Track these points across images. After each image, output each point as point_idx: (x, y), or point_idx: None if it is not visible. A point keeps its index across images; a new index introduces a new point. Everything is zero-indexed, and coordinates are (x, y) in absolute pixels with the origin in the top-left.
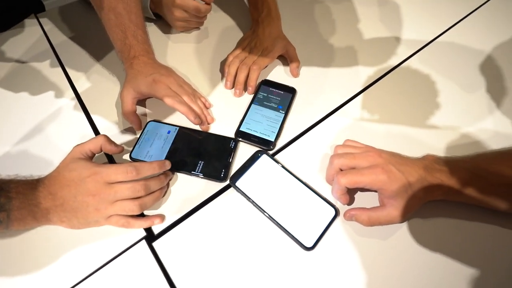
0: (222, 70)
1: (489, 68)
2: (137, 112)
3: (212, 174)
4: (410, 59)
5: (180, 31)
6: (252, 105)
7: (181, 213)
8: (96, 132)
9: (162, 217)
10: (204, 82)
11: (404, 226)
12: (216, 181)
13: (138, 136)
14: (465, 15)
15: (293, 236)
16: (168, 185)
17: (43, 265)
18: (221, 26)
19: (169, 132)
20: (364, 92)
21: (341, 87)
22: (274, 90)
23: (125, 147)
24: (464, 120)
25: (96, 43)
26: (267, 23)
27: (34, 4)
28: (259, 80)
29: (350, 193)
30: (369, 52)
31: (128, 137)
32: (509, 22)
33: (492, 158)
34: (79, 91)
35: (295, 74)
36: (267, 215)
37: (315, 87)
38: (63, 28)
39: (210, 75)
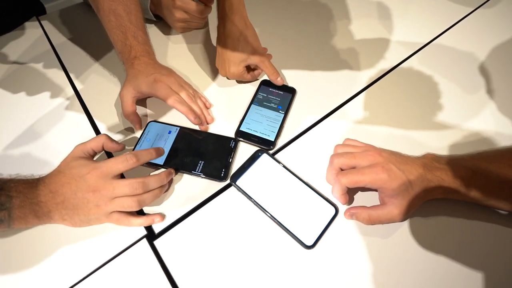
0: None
1: (489, 68)
2: (137, 112)
3: (212, 173)
4: (410, 59)
5: (180, 32)
6: (252, 105)
7: (182, 212)
8: (97, 132)
9: (162, 215)
10: (204, 83)
11: (404, 225)
12: (216, 180)
13: (138, 136)
14: (464, 15)
15: (293, 235)
16: (171, 182)
17: (44, 263)
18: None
19: (170, 132)
20: (363, 92)
21: (340, 87)
22: (273, 90)
23: (126, 147)
24: (464, 120)
25: (97, 45)
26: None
27: (35, 6)
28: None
29: (350, 193)
30: (369, 53)
31: (129, 137)
32: (509, 21)
33: (493, 156)
34: (80, 91)
35: (280, 83)
36: (267, 213)
37: (315, 87)
38: (64, 30)
39: (211, 75)
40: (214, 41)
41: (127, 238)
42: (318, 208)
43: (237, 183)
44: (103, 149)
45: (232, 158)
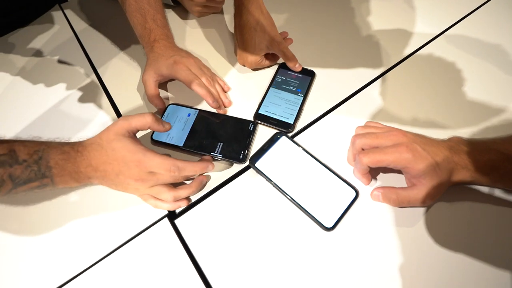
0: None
1: None
2: (159, 95)
3: (231, 155)
4: (434, 41)
5: (198, 16)
6: (271, 88)
7: (202, 193)
8: (119, 115)
9: (188, 199)
10: (222, 66)
11: (424, 210)
12: (235, 162)
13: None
14: None
15: (313, 217)
16: (207, 178)
17: (68, 240)
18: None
19: (189, 115)
20: (385, 75)
21: (361, 70)
22: (292, 73)
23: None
24: (495, 102)
25: (118, 30)
26: (241, 17)
27: None
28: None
29: (373, 174)
30: (390, 35)
31: None
32: None
33: None
34: (102, 76)
35: (298, 69)
36: (286, 195)
37: (335, 70)
38: (85, 17)
39: (228, 59)
40: (230, 25)
41: (150, 217)
42: (338, 191)
43: (256, 165)
44: (147, 129)
45: (250, 140)
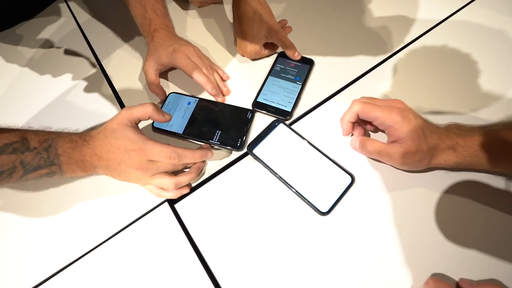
0: None
1: None
2: (160, 84)
3: (229, 143)
4: (435, 29)
5: (198, 6)
6: (269, 77)
7: (201, 179)
8: (122, 105)
9: (189, 186)
10: (222, 55)
11: (420, 198)
12: (233, 149)
13: (160, 107)
14: None
15: (308, 201)
16: (205, 163)
17: (73, 223)
18: None
19: (189, 103)
20: (383, 64)
21: (359, 59)
22: (291, 62)
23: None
24: (494, 90)
25: (120, 21)
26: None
27: None
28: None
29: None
30: (390, 23)
31: None
32: None
33: None
34: (105, 67)
35: (297, 58)
36: (283, 181)
37: (334, 58)
38: (88, 8)
39: (228, 49)
40: (230, 15)
41: (151, 201)
42: (334, 177)
43: (253, 151)
44: (148, 118)
45: (248, 128)
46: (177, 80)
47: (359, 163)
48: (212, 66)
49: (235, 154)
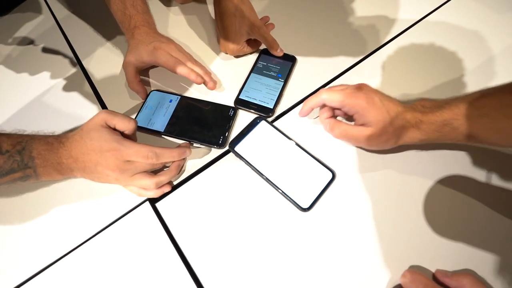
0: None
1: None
2: (140, 81)
3: (211, 140)
4: (413, 27)
5: (181, 3)
6: (252, 74)
7: (182, 177)
8: (101, 102)
9: (171, 184)
10: (204, 53)
11: (400, 192)
12: (214, 147)
13: (140, 104)
14: None
15: (290, 198)
16: (184, 160)
17: (49, 224)
18: None
19: (171, 101)
20: (362, 62)
21: (341, 56)
22: (273, 59)
23: (132, 116)
24: (469, 87)
25: (99, 17)
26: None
27: None
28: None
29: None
30: (369, 23)
31: (132, 105)
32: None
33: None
34: (84, 64)
35: (280, 54)
36: (265, 178)
37: (316, 55)
38: (67, 4)
39: (210, 46)
40: (212, 12)
41: (131, 201)
42: (315, 173)
43: (235, 149)
44: (126, 133)
45: (230, 125)
46: (159, 77)
47: (340, 159)
48: (194, 61)
49: (217, 152)
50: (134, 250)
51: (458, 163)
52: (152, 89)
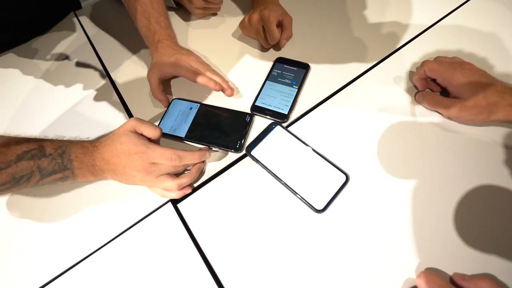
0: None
1: None
2: (163, 91)
3: (229, 145)
4: (426, 32)
5: (199, 17)
6: (267, 81)
7: (202, 179)
8: (128, 110)
9: (191, 186)
10: (222, 63)
11: (411, 194)
12: (232, 151)
13: (163, 112)
14: None
15: (304, 200)
16: (204, 163)
17: (80, 224)
18: (236, 11)
19: (191, 108)
20: (373, 69)
21: (354, 62)
22: (288, 67)
23: (156, 122)
24: None
25: (126, 33)
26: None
27: (72, 3)
28: (274, 58)
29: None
30: (380, 31)
31: (156, 113)
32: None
33: None
34: (112, 76)
35: (282, 45)
36: (280, 181)
37: (329, 62)
38: (97, 22)
39: (228, 57)
40: (229, 26)
41: (155, 202)
42: (329, 176)
43: (252, 153)
44: (151, 138)
45: (247, 131)
46: (181, 87)
47: (354, 163)
48: (213, 70)
49: (235, 156)
50: (157, 249)
51: (474, 170)
52: (174, 97)
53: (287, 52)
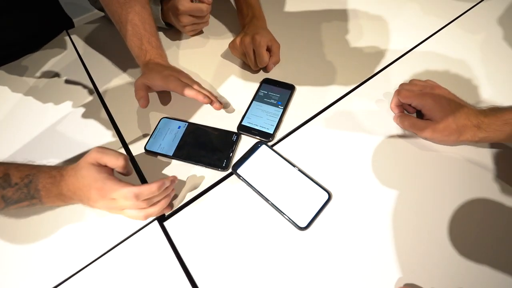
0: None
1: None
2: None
3: (215, 163)
4: (404, 56)
5: (191, 35)
6: (254, 102)
7: (188, 197)
8: (116, 127)
9: (171, 206)
10: (212, 82)
11: (391, 212)
12: (219, 170)
13: (152, 130)
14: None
15: (288, 217)
16: (173, 191)
17: (57, 244)
18: (225, 33)
19: (179, 127)
20: (355, 90)
21: (336, 84)
22: (274, 87)
23: (142, 143)
24: None
25: (117, 52)
26: (253, 23)
27: (65, 21)
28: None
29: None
30: (362, 54)
31: (144, 131)
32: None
33: None
34: (102, 93)
35: (269, 69)
36: (265, 198)
37: (313, 83)
38: (89, 41)
39: (216, 75)
40: (218, 46)
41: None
42: (312, 194)
43: (237, 171)
44: (114, 168)
45: (233, 150)
46: (169, 106)
47: (336, 181)
48: (201, 86)
49: (221, 174)
50: (142, 268)
51: (452, 188)
52: (163, 116)
53: (273, 73)
